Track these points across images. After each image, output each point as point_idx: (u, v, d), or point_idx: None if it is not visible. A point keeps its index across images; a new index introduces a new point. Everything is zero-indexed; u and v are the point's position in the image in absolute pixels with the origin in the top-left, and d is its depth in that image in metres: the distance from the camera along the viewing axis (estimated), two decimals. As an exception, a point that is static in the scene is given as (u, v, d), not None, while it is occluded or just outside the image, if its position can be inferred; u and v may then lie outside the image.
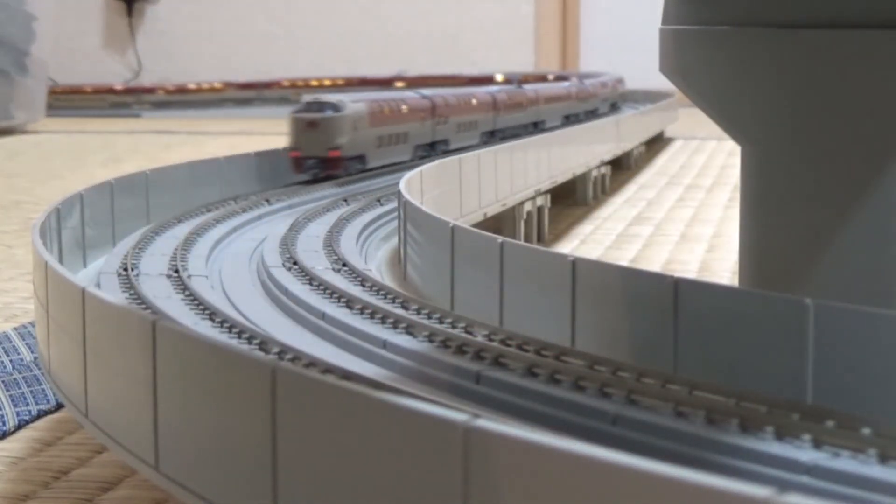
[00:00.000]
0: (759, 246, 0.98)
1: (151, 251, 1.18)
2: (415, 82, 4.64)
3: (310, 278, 1.04)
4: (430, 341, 0.82)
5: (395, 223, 1.33)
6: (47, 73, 4.43)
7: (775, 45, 0.91)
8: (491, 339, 0.81)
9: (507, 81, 4.10)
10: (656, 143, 3.54)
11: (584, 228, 2.11)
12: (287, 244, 1.20)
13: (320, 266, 1.10)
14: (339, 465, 0.51)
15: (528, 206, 1.84)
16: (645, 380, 0.70)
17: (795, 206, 0.94)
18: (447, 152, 1.90)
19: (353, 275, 1.06)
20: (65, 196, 1.20)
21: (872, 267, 0.92)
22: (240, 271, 1.15)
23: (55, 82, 4.89)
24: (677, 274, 0.81)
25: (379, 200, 1.51)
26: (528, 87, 2.53)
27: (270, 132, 4.04)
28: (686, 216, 2.26)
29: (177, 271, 1.08)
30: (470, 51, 5.37)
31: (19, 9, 4.16)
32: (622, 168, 2.90)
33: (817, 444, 0.60)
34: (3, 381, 1.12)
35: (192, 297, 0.98)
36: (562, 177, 2.10)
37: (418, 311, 0.91)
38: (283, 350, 0.79)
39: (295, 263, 1.11)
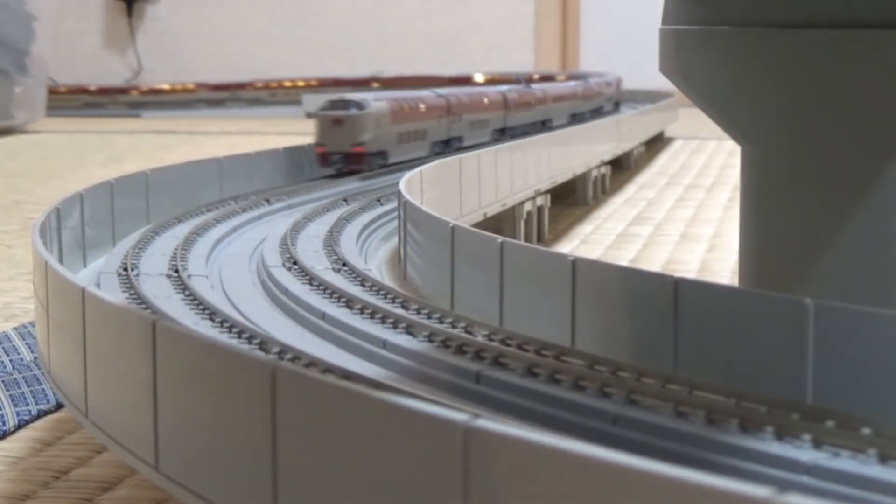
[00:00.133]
0: (759, 246, 0.98)
1: (151, 251, 1.18)
2: (391, 83, 4.68)
3: (310, 278, 1.04)
4: (430, 341, 0.82)
5: (395, 223, 1.33)
6: (47, 73, 4.43)
7: (775, 45, 0.91)
8: (491, 339, 0.81)
9: (490, 82, 4.14)
10: (656, 143, 3.54)
11: (584, 228, 2.11)
12: (287, 244, 1.20)
13: (320, 266, 1.10)
14: (339, 465, 0.51)
15: (528, 206, 1.84)
16: (645, 380, 0.70)
17: (795, 206, 0.94)
18: (461, 149, 1.96)
19: (353, 275, 1.06)
20: (65, 196, 1.20)
21: (872, 267, 0.92)
22: (240, 271, 1.15)
23: (55, 82, 4.90)
24: (677, 274, 0.81)
25: (379, 200, 1.51)
26: (536, 86, 2.59)
27: (270, 132, 4.04)
28: (686, 216, 2.26)
29: (177, 271, 1.08)
30: (470, 51, 5.37)
31: (19, 9, 4.16)
32: (622, 168, 2.90)
33: (817, 444, 0.60)
34: (3, 381, 1.12)
35: (191, 297, 0.98)
36: (562, 177, 2.10)
37: (418, 311, 0.91)
38: (283, 350, 0.79)
39: (295, 263, 1.11)
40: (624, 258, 1.83)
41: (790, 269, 0.94)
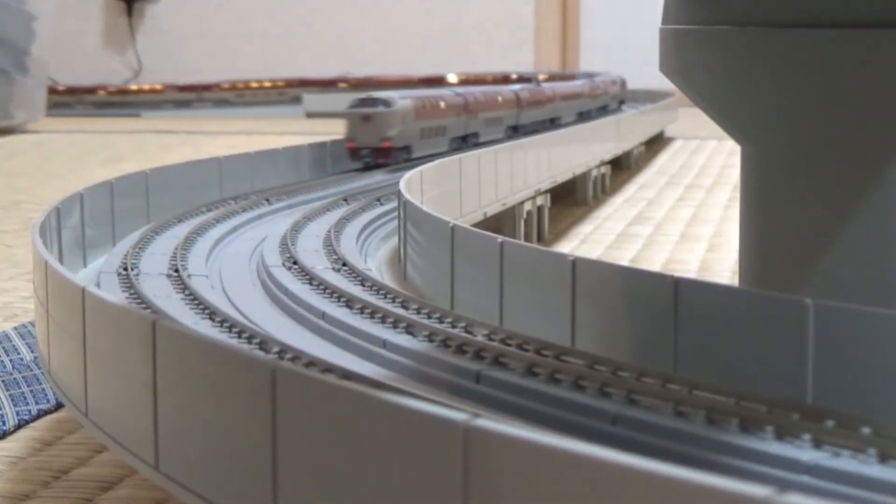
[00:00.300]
0: (759, 246, 0.98)
1: (151, 251, 1.18)
2: (359, 83, 4.71)
3: (310, 278, 1.04)
4: (430, 341, 0.82)
5: (395, 223, 1.33)
6: (47, 73, 4.43)
7: (775, 45, 0.91)
8: (491, 339, 0.81)
9: (463, 82, 4.20)
10: (656, 143, 3.54)
11: (584, 228, 2.11)
12: (287, 244, 1.20)
13: (320, 265, 1.10)
14: (339, 465, 0.51)
15: (528, 206, 1.84)
16: (645, 379, 0.70)
17: (795, 206, 0.94)
18: (477, 144, 2.07)
19: (353, 274, 1.06)
20: (65, 196, 1.20)
21: (872, 267, 0.92)
22: (240, 271, 1.15)
23: (55, 82, 4.90)
24: (677, 274, 0.81)
25: (379, 200, 1.51)
26: (546, 85, 2.67)
27: (270, 132, 4.04)
28: (686, 216, 2.26)
29: (177, 271, 1.08)
30: (470, 51, 5.37)
31: (19, 9, 4.16)
32: (622, 168, 2.90)
33: (817, 444, 0.60)
34: (3, 381, 1.12)
35: (191, 297, 0.98)
36: (562, 176, 2.10)
37: (418, 311, 0.91)
38: (283, 350, 0.79)
39: (295, 263, 1.11)
40: (624, 258, 1.83)
41: (790, 269, 0.94)
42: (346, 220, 1.38)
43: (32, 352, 1.22)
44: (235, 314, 0.95)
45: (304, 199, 1.58)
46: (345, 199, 1.54)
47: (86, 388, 0.76)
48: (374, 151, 1.82)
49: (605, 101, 3.15)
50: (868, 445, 0.59)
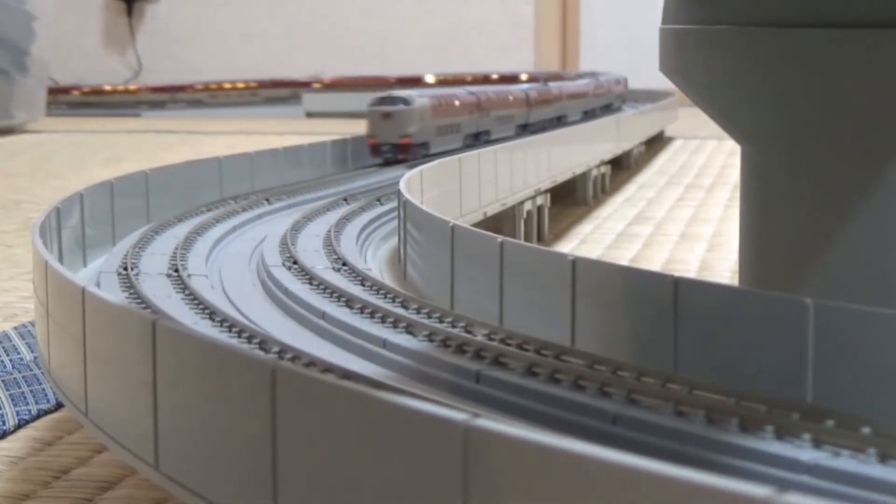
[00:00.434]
0: (759, 246, 0.98)
1: (151, 250, 1.18)
2: (331, 84, 4.74)
3: (310, 277, 1.04)
4: (430, 341, 0.82)
5: (395, 223, 1.33)
6: (47, 73, 4.43)
7: (775, 45, 0.91)
8: (491, 339, 0.81)
9: (441, 82, 4.27)
10: (656, 143, 3.54)
11: (584, 228, 2.11)
12: (287, 243, 1.20)
13: (320, 265, 1.10)
14: (339, 465, 0.51)
15: (528, 206, 1.84)
16: (645, 379, 0.70)
17: (795, 206, 0.94)
18: (489, 141, 2.14)
19: (353, 274, 1.06)
20: (65, 196, 1.20)
21: (872, 267, 0.92)
22: (240, 271, 1.15)
23: (55, 82, 4.90)
24: (677, 273, 0.81)
25: (379, 200, 1.51)
26: (553, 84, 2.74)
27: (270, 132, 4.04)
28: (686, 216, 2.26)
29: (177, 270, 1.08)
30: (470, 51, 5.37)
31: (19, 9, 4.16)
32: (622, 167, 2.90)
33: (817, 444, 0.60)
34: (3, 381, 1.12)
35: (191, 297, 0.98)
36: (562, 176, 2.10)
37: (418, 311, 0.91)
38: (283, 349, 0.79)
39: (295, 263, 1.11)
40: (624, 258, 1.83)
41: (790, 269, 0.94)
42: (346, 219, 1.38)
43: (32, 352, 1.22)
44: (235, 314, 0.95)
45: (304, 199, 1.58)
46: (345, 199, 1.54)
47: (86, 388, 0.76)
48: (394, 147, 1.90)
49: (609, 100, 3.22)
50: (868, 445, 0.59)
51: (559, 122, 2.64)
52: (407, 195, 1.19)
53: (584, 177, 2.35)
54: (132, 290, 1.01)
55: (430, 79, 4.75)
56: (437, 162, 1.50)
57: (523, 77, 4.48)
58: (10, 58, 4.11)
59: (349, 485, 0.51)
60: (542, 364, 0.74)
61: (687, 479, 0.37)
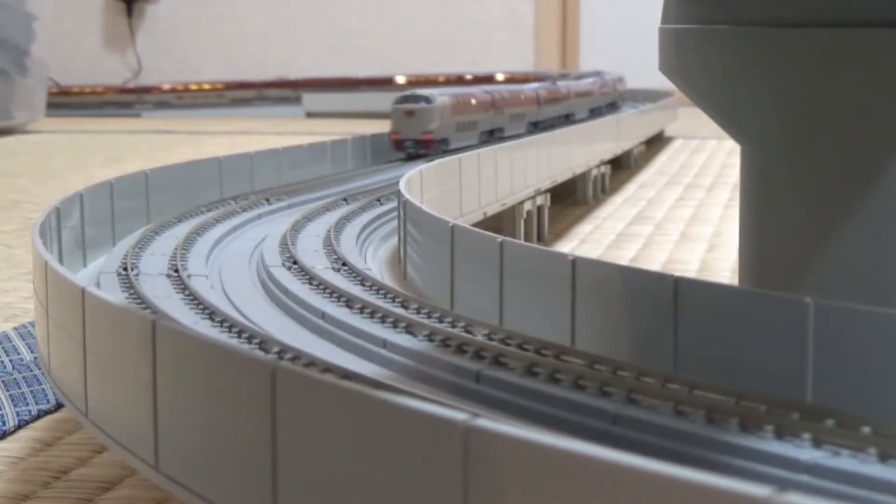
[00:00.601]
0: (759, 245, 0.98)
1: (151, 251, 1.18)
2: (297, 85, 4.76)
3: (310, 278, 1.04)
4: (430, 340, 0.82)
5: (395, 223, 1.33)
6: (47, 73, 4.43)
7: (775, 45, 0.91)
8: (491, 339, 0.81)
9: (411, 83, 4.32)
10: (656, 143, 3.54)
11: (584, 228, 2.11)
12: (287, 243, 1.20)
13: (320, 265, 1.10)
14: (339, 465, 0.51)
15: (527, 206, 1.84)
16: (645, 379, 0.70)
17: (795, 206, 0.94)
18: (502, 138, 2.21)
19: (353, 274, 1.06)
20: (65, 196, 1.20)
21: (872, 267, 0.92)
22: (240, 271, 1.15)
23: (55, 82, 4.90)
24: (677, 273, 0.81)
25: (379, 200, 1.51)
26: (561, 84, 2.81)
27: (270, 132, 4.04)
28: (686, 215, 2.26)
29: (176, 271, 1.08)
30: (470, 51, 5.37)
31: (19, 9, 4.16)
32: (622, 167, 2.90)
33: (817, 443, 0.60)
34: (3, 381, 1.12)
35: (191, 297, 0.98)
36: (562, 176, 2.10)
37: (418, 311, 0.91)
38: (283, 350, 0.79)
39: (295, 263, 1.11)
40: (624, 257, 1.83)
41: (790, 269, 0.94)
42: (345, 220, 1.38)
43: (32, 352, 1.22)
44: (235, 314, 0.95)
45: (304, 199, 1.58)
46: (345, 199, 1.54)
47: (86, 388, 0.76)
48: (416, 143, 2.00)
49: (613, 98, 3.28)
50: (868, 445, 0.59)
51: (567, 119, 2.72)
52: (407, 195, 1.19)
53: (584, 177, 2.35)
54: (132, 291, 1.01)
55: (401, 79, 4.79)
56: (437, 162, 1.50)
57: (499, 77, 4.54)
58: (10, 58, 4.11)
59: (349, 485, 0.51)
60: (542, 364, 0.74)
61: (687, 479, 0.37)
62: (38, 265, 0.89)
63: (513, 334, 0.81)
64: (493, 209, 1.65)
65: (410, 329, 0.85)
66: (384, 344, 0.83)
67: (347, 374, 0.72)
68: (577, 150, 2.28)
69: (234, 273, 1.14)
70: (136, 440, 0.68)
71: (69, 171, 3.12)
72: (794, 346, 0.71)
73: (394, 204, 1.41)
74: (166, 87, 5.06)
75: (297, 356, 0.77)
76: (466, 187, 1.54)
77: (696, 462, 0.60)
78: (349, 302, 0.94)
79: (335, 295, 0.97)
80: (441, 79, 4.68)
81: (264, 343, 0.81)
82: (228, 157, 1.62)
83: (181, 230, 1.28)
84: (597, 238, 2.01)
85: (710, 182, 2.76)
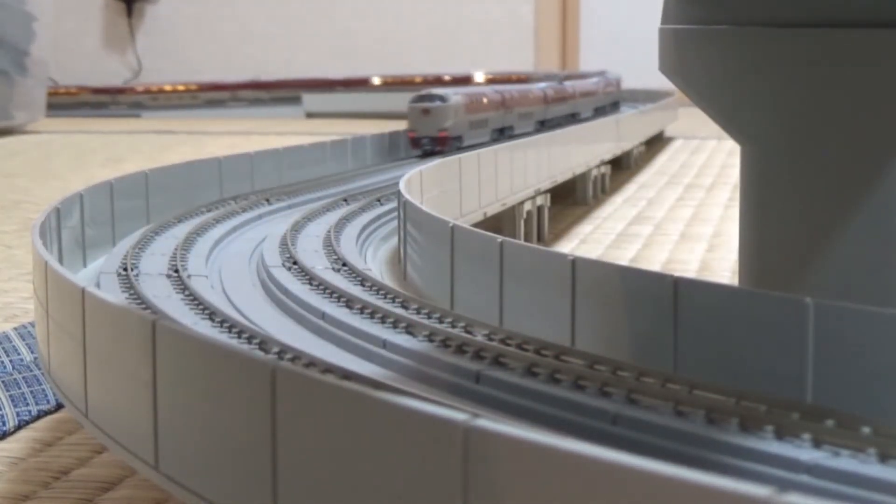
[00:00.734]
0: (759, 245, 0.98)
1: (151, 251, 1.18)
2: (267, 86, 4.78)
3: (309, 278, 1.04)
4: (430, 341, 0.82)
5: (395, 223, 1.33)
6: (47, 73, 4.43)
7: (775, 45, 0.91)
8: (491, 339, 0.81)
9: (385, 83, 4.38)
10: (656, 143, 3.54)
11: (584, 228, 2.11)
12: (287, 244, 1.20)
13: (320, 266, 1.10)
14: (339, 465, 0.51)
15: (527, 206, 1.84)
16: (645, 379, 0.70)
17: (795, 206, 0.94)
18: (512, 136, 2.30)
19: (353, 274, 1.06)
20: (65, 196, 1.20)
21: (872, 266, 0.92)
22: (240, 271, 1.15)
23: (55, 82, 4.90)
24: (677, 273, 0.81)
25: (379, 200, 1.51)
26: (567, 83, 2.89)
27: (270, 132, 4.04)
28: (686, 215, 2.26)
29: (176, 271, 1.08)
30: (470, 50, 5.37)
31: (19, 9, 4.16)
32: (622, 167, 2.90)
33: (817, 444, 0.60)
34: (3, 381, 1.12)
35: (191, 297, 0.98)
36: (562, 176, 2.10)
37: (418, 311, 0.91)
38: (283, 350, 0.79)
39: (295, 263, 1.11)
40: (624, 258, 1.83)
41: (790, 269, 0.94)
42: (345, 220, 1.38)
43: (32, 352, 1.22)
44: (235, 314, 0.95)
45: (304, 200, 1.58)
46: (345, 200, 1.54)
47: (86, 389, 0.76)
48: (432, 140, 2.08)
49: (616, 98, 3.35)
50: (868, 445, 0.59)
51: (573, 118, 2.79)
52: (407, 195, 1.19)
53: (584, 177, 2.35)
54: (132, 291, 1.01)
55: (376, 80, 4.82)
56: (437, 162, 1.50)
57: (478, 79, 4.58)
58: (10, 58, 4.11)
59: (349, 485, 0.51)
60: (542, 364, 0.74)
61: (687, 479, 0.37)
62: (38, 265, 0.89)
63: (513, 334, 0.81)
64: (493, 209, 1.65)
65: (410, 329, 0.85)
66: (384, 344, 0.83)
67: (347, 375, 0.72)
68: (577, 150, 2.28)
69: (234, 273, 1.14)
70: (136, 440, 0.68)
71: (69, 171, 3.12)
72: (794, 346, 0.71)
73: (394, 204, 1.41)
74: (139, 88, 5.08)
75: (297, 356, 0.77)
76: (466, 187, 1.54)
77: (696, 462, 0.60)
78: (349, 302, 0.94)
79: (335, 295, 0.97)
80: (418, 79, 4.72)
81: (264, 343, 0.81)
82: (228, 157, 1.62)
83: (181, 230, 1.28)
84: (597, 238, 2.01)
85: (710, 182, 2.76)
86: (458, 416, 0.45)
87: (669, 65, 0.99)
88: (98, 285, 1.04)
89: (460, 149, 2.05)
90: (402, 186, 1.23)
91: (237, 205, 1.48)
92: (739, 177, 1.00)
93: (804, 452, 0.60)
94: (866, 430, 0.60)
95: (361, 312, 0.92)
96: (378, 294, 0.98)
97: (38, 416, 1.07)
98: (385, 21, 5.48)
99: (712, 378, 0.72)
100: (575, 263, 0.86)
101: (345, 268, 1.09)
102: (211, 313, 0.92)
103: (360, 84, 4.81)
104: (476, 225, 1.32)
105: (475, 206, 1.58)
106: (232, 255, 1.24)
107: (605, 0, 5.36)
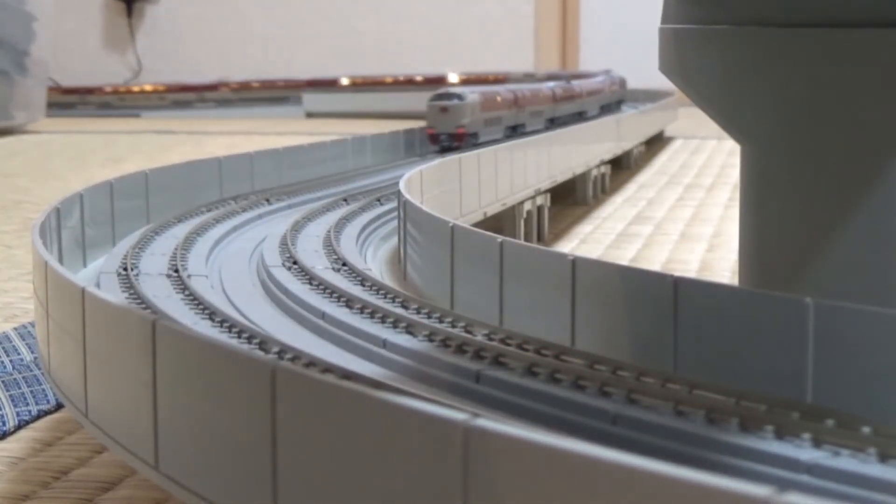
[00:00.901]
0: (759, 245, 0.98)
1: (151, 251, 1.18)
2: (239, 87, 4.81)
3: (310, 278, 1.04)
4: (430, 340, 0.82)
5: (395, 223, 1.33)
6: (47, 73, 4.42)
7: (775, 45, 0.91)
8: (491, 339, 0.81)
9: (353, 84, 4.42)
10: (656, 143, 3.54)
11: (584, 228, 2.11)
12: (287, 244, 1.20)
13: (320, 265, 1.10)
14: (339, 465, 0.51)
15: (528, 206, 1.84)
16: (645, 379, 0.70)
17: (795, 206, 0.94)
18: (524, 133, 2.37)
19: (353, 274, 1.06)
20: (65, 196, 1.20)
21: (872, 266, 0.92)
22: (240, 271, 1.15)
23: (55, 82, 4.90)
24: (677, 273, 0.81)
25: (379, 200, 1.51)
26: (575, 82, 2.96)
27: (270, 132, 4.04)
28: (686, 215, 2.26)
29: (176, 271, 1.08)
30: (470, 50, 5.37)
31: (19, 9, 4.16)
32: (622, 167, 2.90)
33: (817, 443, 0.60)
34: (3, 381, 1.12)
35: (191, 297, 0.98)
36: (562, 176, 2.10)
37: (418, 311, 0.91)
38: (283, 350, 0.79)
39: (295, 263, 1.11)
40: (624, 257, 1.83)
41: (790, 268, 0.94)
42: (345, 220, 1.38)
43: (32, 352, 1.22)
44: (235, 314, 0.95)
45: (304, 200, 1.58)
46: (345, 200, 1.54)
47: (86, 389, 0.76)
48: (450, 136, 2.16)
49: (620, 96, 3.40)
50: (868, 445, 0.59)
51: (580, 116, 2.86)
52: (407, 195, 1.19)
53: (584, 177, 2.35)
54: (132, 291, 1.01)
55: (345, 81, 4.84)
56: (437, 162, 1.50)
57: (453, 79, 4.61)
58: (10, 58, 4.10)
59: (349, 485, 0.51)
60: (542, 364, 0.74)
61: (687, 479, 0.37)
62: (38, 265, 0.89)
63: (513, 334, 0.81)
64: (493, 209, 1.65)
65: (410, 329, 0.85)
66: (384, 344, 0.83)
67: (347, 374, 0.72)
68: (577, 150, 2.28)
69: (234, 273, 1.14)
70: (136, 440, 0.68)
71: (69, 171, 3.12)
72: (794, 346, 0.71)
73: (394, 204, 1.41)
74: (108, 88, 5.09)
75: (297, 356, 0.77)
76: (466, 187, 1.54)
77: (696, 462, 0.60)
78: (349, 302, 0.94)
79: (335, 295, 0.97)
80: (388, 80, 4.75)
81: (264, 343, 0.81)
82: (228, 157, 1.62)
83: (181, 230, 1.28)
84: (597, 238, 2.01)
85: (710, 182, 2.76)
86: (458, 416, 0.45)
87: (669, 65, 0.99)
88: (98, 285, 1.04)
89: (476, 145, 2.15)
90: (402, 186, 1.23)
91: (237, 205, 1.48)
92: (739, 177, 1.00)
93: (804, 452, 0.60)
94: (866, 430, 0.60)
95: (361, 312, 0.92)
96: (378, 294, 0.98)
97: (38, 416, 1.07)
98: (385, 21, 5.48)
99: (712, 378, 0.72)
100: (575, 263, 0.86)
101: (345, 268, 1.09)
102: (211, 313, 0.92)
103: (330, 84, 4.83)
104: (476, 225, 1.32)
105: (475, 206, 1.58)
106: (232, 254, 1.24)
107: (605, 0, 5.36)
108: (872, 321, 0.68)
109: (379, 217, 1.43)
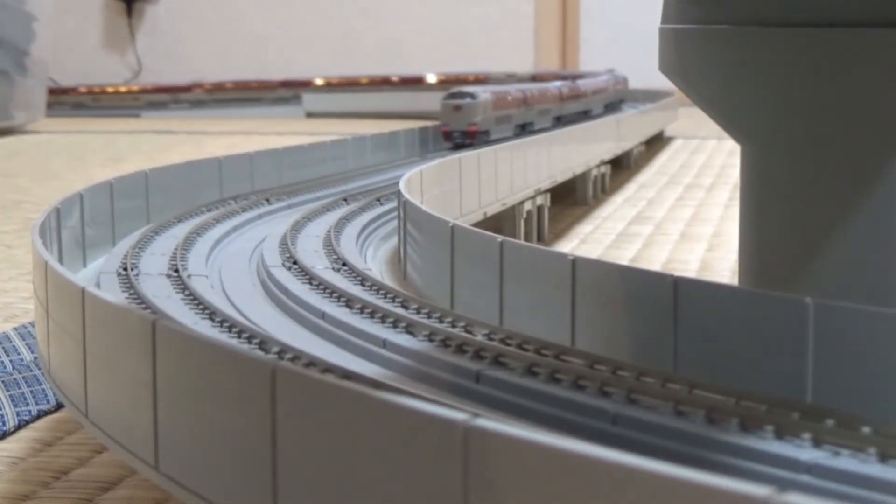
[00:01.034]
0: (759, 245, 0.98)
1: (151, 251, 1.18)
2: (214, 88, 4.82)
3: (309, 278, 1.04)
4: (430, 340, 0.82)
5: (395, 223, 1.33)
6: (47, 73, 4.42)
7: (775, 45, 0.91)
8: (491, 339, 0.81)
9: (328, 84, 4.43)
10: (656, 143, 3.54)
11: (584, 228, 2.11)
12: (287, 244, 1.20)
13: (320, 265, 1.10)
14: (339, 465, 0.51)
15: (528, 206, 1.84)
16: (645, 379, 0.70)
17: (795, 206, 0.94)
18: (532, 131, 2.41)
19: (353, 274, 1.06)
20: (65, 196, 1.20)
21: (872, 266, 0.92)
22: (240, 271, 1.15)
23: (55, 82, 4.90)
24: (677, 273, 0.81)
25: (379, 200, 1.51)
26: (580, 82, 3.01)
27: (270, 132, 4.04)
28: (686, 215, 2.26)
29: (176, 271, 1.08)
30: (470, 50, 5.37)
31: (19, 9, 4.16)
32: (622, 167, 2.90)
33: (817, 443, 0.60)
34: (3, 381, 1.12)
35: (191, 297, 0.98)
36: (562, 176, 2.10)
37: (418, 311, 0.91)
38: (283, 350, 0.79)
39: (295, 263, 1.11)
40: (624, 257, 1.83)
41: (790, 269, 0.94)
42: (345, 220, 1.38)
43: (32, 352, 1.22)
44: (235, 314, 0.95)
45: (304, 199, 1.58)
46: (345, 200, 1.54)
47: (86, 388, 0.76)
48: (463, 134, 2.21)
49: (623, 95, 3.45)
50: (868, 445, 0.59)
51: (585, 114, 2.91)
52: (407, 195, 1.19)
53: (584, 177, 2.35)
54: (132, 291, 1.01)
55: (319, 81, 4.87)
56: (437, 162, 1.50)
57: (431, 79, 4.63)
58: (10, 58, 4.10)
59: (349, 485, 0.51)
60: (542, 364, 0.74)
61: (687, 479, 0.37)
62: (38, 265, 0.89)
63: (513, 334, 0.81)
64: (493, 209, 1.65)
65: (410, 329, 0.85)
66: (384, 344, 0.83)
67: (347, 374, 0.72)
68: (577, 150, 2.28)
69: (234, 273, 1.14)
70: (136, 440, 0.68)
71: (69, 171, 3.12)
72: (794, 346, 0.71)
73: (394, 204, 1.41)
74: (83, 89, 5.09)
75: (297, 356, 0.77)
76: (466, 187, 1.54)
77: (696, 462, 0.60)
78: (349, 302, 0.94)
79: (335, 295, 0.97)
80: (364, 80, 4.79)
81: (264, 343, 0.81)
82: (228, 157, 1.62)
83: (181, 230, 1.28)
84: (597, 238, 2.01)
85: (710, 182, 2.76)
86: (458, 416, 0.45)
87: (669, 65, 0.99)
88: (98, 285, 1.04)
89: (487, 142, 2.19)
90: (402, 186, 1.23)
91: (237, 205, 1.48)
92: (739, 177, 1.00)
93: (804, 452, 0.60)
94: (866, 430, 0.60)
95: (361, 312, 0.92)
96: (378, 294, 0.98)
97: (38, 416, 1.07)
98: (385, 21, 5.48)
99: (712, 378, 0.72)
100: (575, 263, 0.86)
101: (345, 267, 1.09)
102: (211, 313, 0.92)
103: (303, 85, 4.85)
104: (476, 225, 1.32)
105: (475, 206, 1.58)
106: (232, 254, 1.24)
107: (605, 0, 5.36)
108: (872, 321, 0.68)
109: (379, 217, 1.43)
